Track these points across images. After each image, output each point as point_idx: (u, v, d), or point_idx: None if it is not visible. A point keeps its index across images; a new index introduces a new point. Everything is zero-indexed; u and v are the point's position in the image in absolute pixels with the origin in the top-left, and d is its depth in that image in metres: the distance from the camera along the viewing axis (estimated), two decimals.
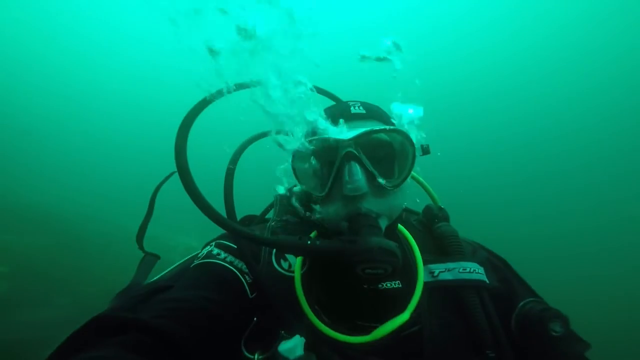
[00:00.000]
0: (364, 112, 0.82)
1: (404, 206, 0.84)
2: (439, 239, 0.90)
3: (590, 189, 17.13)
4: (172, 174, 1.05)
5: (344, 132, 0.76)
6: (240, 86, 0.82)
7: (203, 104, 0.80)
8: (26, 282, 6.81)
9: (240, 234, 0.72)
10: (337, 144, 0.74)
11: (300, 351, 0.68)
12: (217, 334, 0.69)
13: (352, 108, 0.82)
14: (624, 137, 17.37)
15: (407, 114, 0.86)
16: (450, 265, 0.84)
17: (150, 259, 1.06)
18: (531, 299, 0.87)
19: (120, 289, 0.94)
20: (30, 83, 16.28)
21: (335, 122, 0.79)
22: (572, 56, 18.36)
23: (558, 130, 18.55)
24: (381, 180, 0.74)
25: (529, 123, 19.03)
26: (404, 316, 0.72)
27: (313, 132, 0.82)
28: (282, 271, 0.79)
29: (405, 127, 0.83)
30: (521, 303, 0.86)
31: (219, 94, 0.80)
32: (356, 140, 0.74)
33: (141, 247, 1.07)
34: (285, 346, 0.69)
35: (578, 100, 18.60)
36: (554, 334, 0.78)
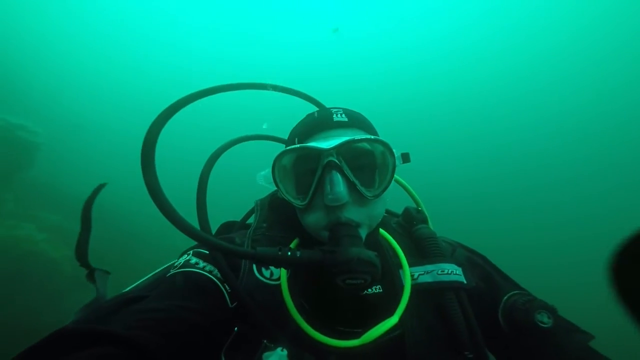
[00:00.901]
0: (346, 120, 0.80)
1: (383, 214, 0.82)
2: (418, 241, 0.89)
3: (591, 196, 17.09)
4: (102, 186, 1.00)
5: (325, 141, 0.75)
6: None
7: (172, 109, 0.76)
8: (78, 268, 7.46)
9: (217, 247, 0.68)
10: (319, 153, 0.73)
11: None
12: (194, 344, 0.67)
13: (334, 115, 0.81)
14: (625, 143, 17.27)
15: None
16: (429, 267, 0.83)
17: (100, 275, 1.00)
18: (515, 291, 0.85)
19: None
20: (89, 82, 17.72)
21: (317, 129, 0.79)
22: (576, 61, 18.52)
23: (559, 136, 18.59)
24: (362, 190, 0.74)
25: (531, 128, 19.15)
26: (393, 319, 0.72)
27: (295, 139, 0.82)
28: (264, 280, 0.77)
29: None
30: (505, 297, 0.84)
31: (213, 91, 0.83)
32: (338, 149, 0.73)
33: (85, 264, 0.98)
34: None
35: (581, 107, 18.69)
36: (542, 325, 0.76)
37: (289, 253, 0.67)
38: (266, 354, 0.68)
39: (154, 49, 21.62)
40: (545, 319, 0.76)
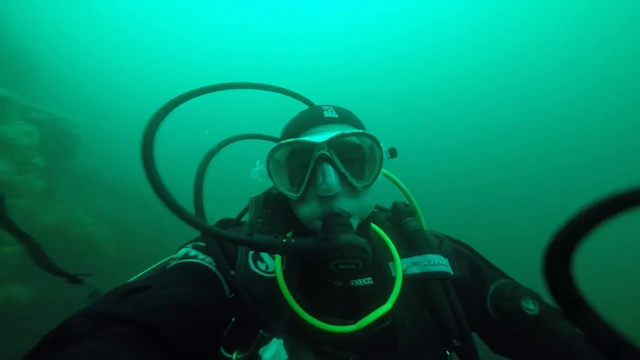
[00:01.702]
0: (336, 116, 0.83)
1: (374, 205, 0.85)
2: (406, 234, 0.92)
3: (592, 189, 16.11)
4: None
5: (317, 136, 0.78)
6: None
7: (173, 103, 0.78)
8: (128, 249, 8.09)
9: (216, 234, 0.70)
10: (312, 147, 0.76)
11: (283, 355, 0.69)
12: (200, 330, 0.69)
13: (325, 112, 0.84)
14: (625, 137, 16.97)
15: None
16: (417, 259, 0.86)
17: (83, 277, 1.00)
18: (502, 280, 0.87)
19: None
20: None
21: (309, 125, 0.82)
22: (571, 55, 18.45)
23: (560, 130, 18.41)
24: (352, 181, 0.77)
25: (531, 122, 19.08)
26: (387, 306, 0.74)
27: (288, 134, 0.85)
28: (260, 272, 0.80)
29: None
30: (492, 286, 0.86)
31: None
32: (329, 143, 0.76)
33: (57, 273, 0.95)
34: (268, 354, 0.69)
35: (578, 101, 18.58)
36: (528, 312, 0.77)
37: (284, 240, 0.69)
38: (265, 348, 0.70)
39: (169, 46, 22.37)
40: (531, 306, 0.78)
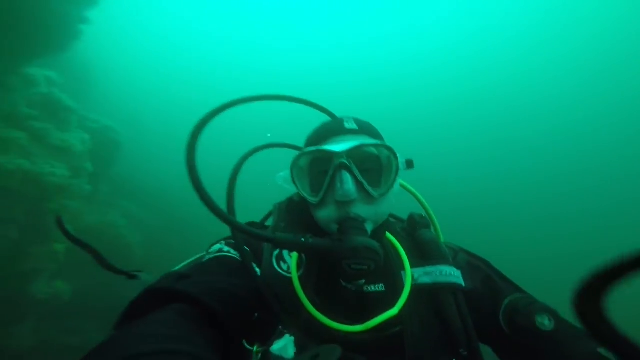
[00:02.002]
0: (356, 127, 0.89)
1: (388, 213, 0.90)
2: (420, 245, 0.94)
3: (597, 193, 16.60)
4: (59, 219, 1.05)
5: (338, 145, 0.83)
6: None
7: (218, 110, 0.85)
8: (153, 252, 8.62)
9: (245, 230, 0.76)
10: (332, 155, 0.82)
11: (291, 350, 0.73)
12: (241, 313, 0.74)
13: (346, 123, 0.89)
14: (626, 140, 16.87)
15: None
16: (429, 269, 0.88)
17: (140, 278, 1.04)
18: (518, 295, 0.88)
19: None
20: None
21: (330, 135, 0.87)
22: (580, 58, 18.45)
23: (567, 133, 18.29)
24: (369, 189, 0.81)
25: (539, 127, 18.93)
26: (394, 311, 0.77)
27: (311, 143, 0.90)
28: (282, 272, 0.83)
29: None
30: (507, 300, 0.87)
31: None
32: (348, 152, 0.81)
33: (119, 272, 0.99)
34: (277, 346, 0.73)
35: (583, 106, 18.46)
36: (542, 327, 0.78)
37: (303, 239, 0.75)
38: (276, 342, 0.74)
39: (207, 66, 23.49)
40: (547, 322, 0.78)
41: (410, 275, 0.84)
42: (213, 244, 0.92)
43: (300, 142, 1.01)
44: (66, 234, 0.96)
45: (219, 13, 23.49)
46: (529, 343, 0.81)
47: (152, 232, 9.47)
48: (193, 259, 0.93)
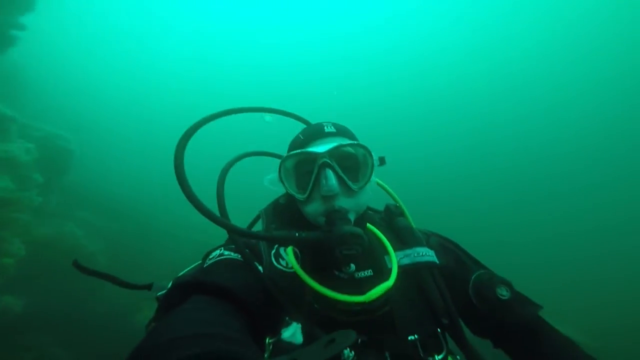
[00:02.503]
0: (334, 130, 0.98)
1: (367, 205, 0.99)
2: (398, 231, 1.05)
3: (588, 190, 16.78)
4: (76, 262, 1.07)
5: (319, 147, 0.92)
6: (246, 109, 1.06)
7: (205, 120, 0.95)
8: (117, 259, 8.47)
9: (240, 232, 0.84)
10: (315, 156, 0.90)
11: (299, 336, 0.79)
12: (261, 304, 0.81)
13: (325, 128, 0.99)
14: (622, 136, 17.01)
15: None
16: (408, 251, 0.98)
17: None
18: (481, 271, 1.00)
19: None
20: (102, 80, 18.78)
21: (312, 139, 0.96)
22: (578, 55, 18.36)
23: (556, 130, 18.38)
24: (349, 183, 0.90)
25: (527, 123, 18.97)
26: (389, 283, 0.86)
27: (295, 147, 0.99)
28: (282, 268, 0.89)
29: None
30: (473, 276, 0.99)
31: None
32: (330, 152, 0.90)
33: (137, 287, 1.02)
34: (287, 334, 0.79)
35: (577, 101, 18.52)
36: (502, 297, 0.92)
37: (297, 234, 0.83)
38: (285, 329, 0.80)
39: (152, 54, 22.43)
40: (504, 292, 0.93)
41: (395, 255, 0.94)
42: (210, 252, 0.95)
43: (277, 149, 1.12)
44: (82, 269, 0.98)
45: (172, 10, 22.53)
46: (492, 312, 0.94)
47: (114, 239, 9.27)
48: (192, 266, 0.97)
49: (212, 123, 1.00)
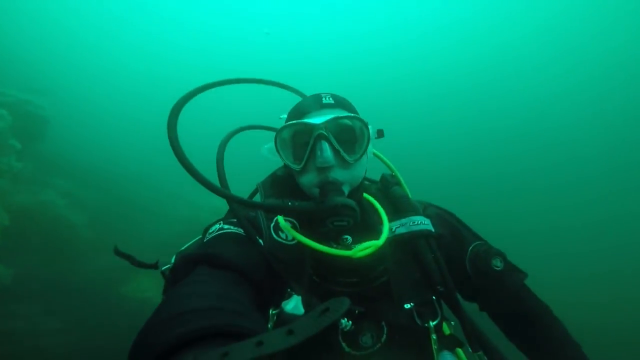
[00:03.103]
0: (332, 102, 0.96)
1: (363, 176, 0.97)
2: (394, 200, 1.05)
3: (586, 183, 16.78)
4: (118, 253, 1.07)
5: (316, 118, 0.90)
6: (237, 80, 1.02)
7: (197, 90, 0.93)
8: (99, 232, 8.31)
9: (234, 199, 0.84)
10: (312, 127, 0.89)
11: (301, 307, 0.80)
12: (264, 277, 0.81)
13: (323, 99, 0.97)
14: (617, 132, 17.10)
15: None
16: (403, 220, 0.99)
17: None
18: (478, 242, 1.02)
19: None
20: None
21: (310, 109, 0.94)
22: (571, 50, 18.30)
23: (551, 124, 18.35)
24: (345, 155, 0.89)
25: (523, 117, 18.87)
26: (379, 242, 0.87)
27: (292, 117, 0.97)
28: (282, 241, 0.90)
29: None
30: (470, 247, 1.01)
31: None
32: (326, 124, 0.88)
33: (143, 265, 1.01)
34: (289, 306, 0.80)
35: (572, 96, 18.51)
36: (496, 268, 0.95)
37: (290, 203, 0.84)
38: (286, 302, 0.81)
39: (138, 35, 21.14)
40: (499, 263, 0.96)
41: (388, 222, 0.94)
42: (210, 226, 0.94)
43: (273, 123, 1.11)
44: (121, 254, 1.00)
45: None
46: (486, 282, 0.97)
47: (96, 211, 9.03)
48: (193, 241, 0.98)
49: (206, 97, 0.97)
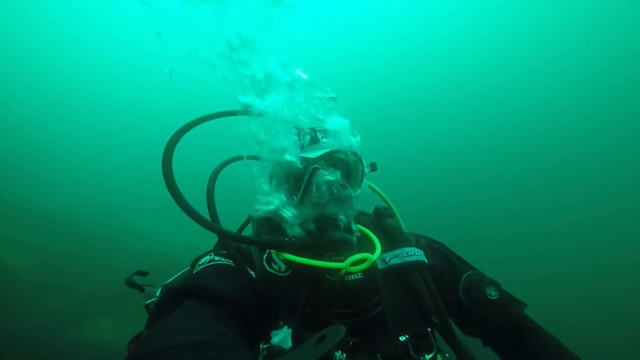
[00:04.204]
0: (327, 137, 0.97)
1: (358, 209, 0.98)
2: (387, 232, 1.05)
3: (577, 184, 16.82)
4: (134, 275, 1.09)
5: (312, 152, 0.91)
6: (234, 112, 0.98)
7: (193, 123, 0.91)
8: (47, 275, 7.79)
9: (229, 235, 0.82)
10: (307, 162, 0.90)
11: (289, 341, 0.78)
12: (254, 309, 0.79)
13: (319, 133, 0.98)
14: (607, 132, 17.25)
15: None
16: (397, 252, 0.98)
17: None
18: (470, 272, 1.02)
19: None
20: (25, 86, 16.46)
21: (306, 143, 0.95)
22: (569, 51, 18.12)
23: (543, 124, 18.32)
24: (340, 190, 0.89)
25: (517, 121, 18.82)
26: (374, 256, 0.87)
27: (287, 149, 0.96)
28: (275, 272, 0.88)
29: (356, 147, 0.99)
30: (463, 276, 1.01)
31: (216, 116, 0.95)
32: (321, 159, 0.89)
33: (135, 286, 1.03)
34: (276, 339, 0.78)
35: (567, 97, 18.44)
36: (491, 298, 0.94)
37: (286, 239, 0.84)
38: (275, 333, 0.79)
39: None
40: (493, 292, 0.95)
41: (379, 245, 0.95)
42: (200, 257, 0.92)
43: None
44: (134, 285, 1.01)
45: None
46: (481, 311, 0.97)
47: (43, 255, 8.49)
48: (180, 273, 0.96)
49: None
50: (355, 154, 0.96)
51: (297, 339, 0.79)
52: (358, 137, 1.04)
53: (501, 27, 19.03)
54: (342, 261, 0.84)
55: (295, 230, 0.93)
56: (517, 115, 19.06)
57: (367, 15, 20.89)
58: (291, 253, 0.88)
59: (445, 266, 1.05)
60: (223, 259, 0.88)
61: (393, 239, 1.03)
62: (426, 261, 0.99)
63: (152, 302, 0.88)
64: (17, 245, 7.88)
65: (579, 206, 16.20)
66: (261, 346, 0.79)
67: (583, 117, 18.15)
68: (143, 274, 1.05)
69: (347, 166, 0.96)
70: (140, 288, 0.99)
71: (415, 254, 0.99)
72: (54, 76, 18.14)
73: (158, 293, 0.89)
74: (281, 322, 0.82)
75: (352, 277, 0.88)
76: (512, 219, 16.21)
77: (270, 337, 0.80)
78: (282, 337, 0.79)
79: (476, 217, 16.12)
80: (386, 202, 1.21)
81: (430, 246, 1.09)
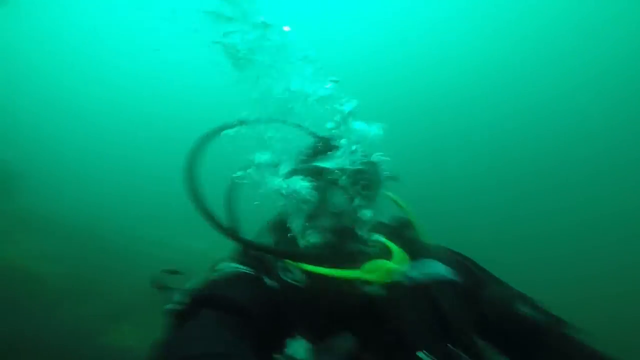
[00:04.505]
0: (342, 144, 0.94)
1: (377, 219, 0.96)
2: (408, 244, 1.00)
3: (577, 185, 16.87)
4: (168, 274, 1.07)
5: (328, 162, 0.90)
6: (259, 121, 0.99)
7: (219, 129, 0.94)
8: (65, 283, 8.00)
9: (248, 244, 0.84)
10: (323, 171, 0.89)
11: (302, 352, 0.76)
12: (272, 319, 0.79)
13: (335, 140, 0.96)
14: (608, 132, 17.20)
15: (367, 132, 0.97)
16: (417, 264, 0.94)
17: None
18: (498, 286, 0.98)
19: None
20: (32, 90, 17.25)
21: (322, 152, 0.94)
22: (569, 52, 18.17)
23: (545, 126, 18.35)
24: (358, 200, 0.88)
25: (518, 121, 18.76)
26: (398, 267, 0.85)
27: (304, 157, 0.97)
28: (292, 282, 0.87)
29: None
30: (489, 291, 0.96)
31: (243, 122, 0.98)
32: (337, 168, 0.88)
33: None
34: (289, 350, 0.77)
35: (566, 97, 18.50)
36: (520, 312, 0.88)
37: (304, 251, 0.83)
38: (289, 344, 0.78)
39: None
40: (524, 308, 0.89)
41: (399, 251, 0.92)
42: (216, 264, 0.93)
43: None
44: (161, 287, 0.98)
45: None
46: (509, 327, 0.90)
47: (69, 263, 8.76)
48: (198, 278, 0.95)
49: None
50: (373, 162, 0.94)
51: (311, 350, 0.78)
52: (378, 144, 1.00)
53: (501, 27, 19.12)
54: (362, 272, 0.83)
55: (312, 238, 0.92)
56: (518, 115, 18.96)
57: (368, 16, 21.01)
58: (308, 264, 0.86)
59: (470, 280, 0.99)
60: (241, 267, 0.88)
61: (414, 251, 0.98)
62: (451, 277, 0.95)
63: (171, 307, 0.88)
64: (44, 254, 8.16)
65: (579, 206, 16.11)
66: (274, 356, 0.78)
67: (583, 118, 17.94)
68: (173, 272, 1.04)
69: (366, 175, 0.94)
70: (167, 289, 0.98)
71: (437, 267, 0.95)
72: (95, 96, 18.53)
73: (177, 298, 0.89)
74: (296, 333, 0.81)
75: (372, 289, 0.85)
76: (512, 219, 16.11)
77: (285, 347, 0.79)
78: (294, 348, 0.78)
79: (476, 218, 16.15)
80: (406, 213, 1.16)
81: (455, 260, 1.04)
